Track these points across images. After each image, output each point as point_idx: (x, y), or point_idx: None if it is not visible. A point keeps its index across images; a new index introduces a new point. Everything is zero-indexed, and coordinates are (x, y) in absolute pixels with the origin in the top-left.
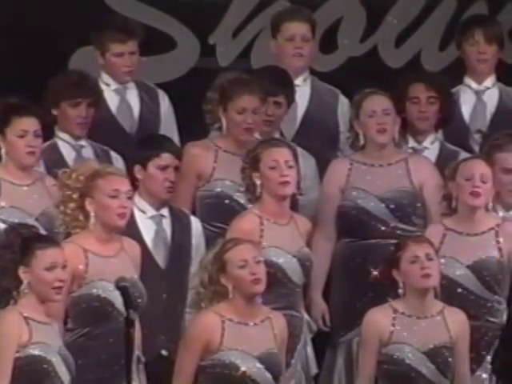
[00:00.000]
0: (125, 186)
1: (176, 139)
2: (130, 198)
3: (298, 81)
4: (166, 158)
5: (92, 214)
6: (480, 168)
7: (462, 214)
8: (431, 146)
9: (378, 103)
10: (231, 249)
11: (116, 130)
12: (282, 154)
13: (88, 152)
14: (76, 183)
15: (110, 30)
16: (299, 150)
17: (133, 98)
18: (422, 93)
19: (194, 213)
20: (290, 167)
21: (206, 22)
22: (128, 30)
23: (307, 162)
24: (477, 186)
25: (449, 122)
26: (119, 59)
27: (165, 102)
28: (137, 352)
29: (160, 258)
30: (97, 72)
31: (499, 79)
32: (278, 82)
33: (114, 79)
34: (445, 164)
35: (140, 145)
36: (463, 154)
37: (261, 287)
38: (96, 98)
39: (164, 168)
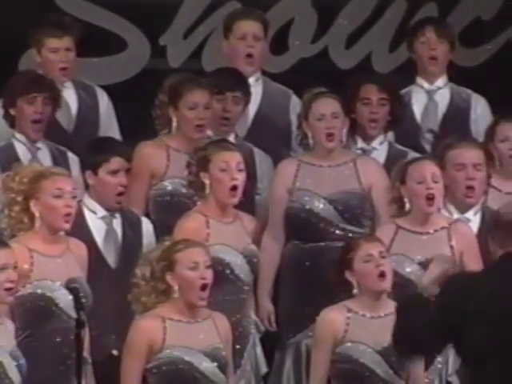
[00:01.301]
0: (69, 185)
1: (117, 137)
2: (74, 198)
3: (250, 80)
4: (116, 162)
5: (37, 215)
6: (430, 169)
7: (415, 215)
8: (380, 146)
9: (327, 106)
10: (183, 249)
11: (54, 127)
12: (233, 157)
13: (44, 154)
14: (20, 186)
15: (45, 25)
16: (256, 149)
17: (70, 96)
18: (373, 94)
19: (146, 211)
20: (240, 171)
21: (156, 23)
22: (64, 25)
23: (264, 162)
24: (430, 187)
25: (398, 123)
26: (55, 55)
27: (104, 100)
28: (84, 353)
29: (110, 258)
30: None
31: (451, 81)
32: (235, 79)
33: (51, 77)
34: (393, 164)
35: (89, 149)
36: (411, 154)
37: (205, 298)
38: (52, 95)
39: (115, 172)
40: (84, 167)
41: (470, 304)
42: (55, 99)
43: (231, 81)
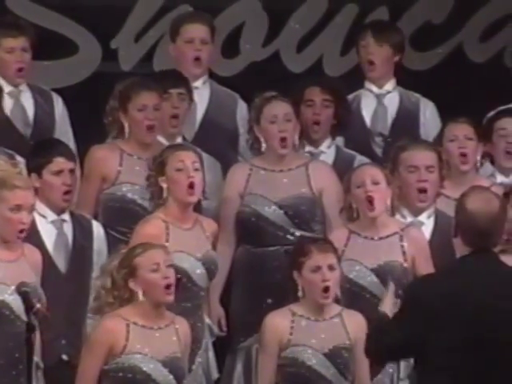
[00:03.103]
0: (29, 199)
1: (71, 142)
2: (31, 212)
3: (197, 83)
4: (58, 162)
5: None
6: (369, 172)
7: (364, 220)
8: (327, 150)
9: (279, 109)
10: (142, 253)
11: (11, 132)
12: (188, 157)
13: None
14: None
15: (0, 26)
16: (204, 155)
17: (27, 100)
18: (316, 96)
19: (96, 216)
20: (197, 170)
21: (108, 27)
22: (19, 26)
23: (212, 167)
24: (369, 190)
25: (344, 126)
26: (10, 55)
27: (59, 105)
28: (36, 358)
29: (61, 263)
30: None
31: (400, 85)
32: (177, 77)
33: (7, 80)
34: (341, 168)
35: (32, 152)
36: (359, 158)
37: (171, 297)
38: None
39: (58, 173)
40: (29, 171)
41: (431, 306)
42: None
43: (174, 79)
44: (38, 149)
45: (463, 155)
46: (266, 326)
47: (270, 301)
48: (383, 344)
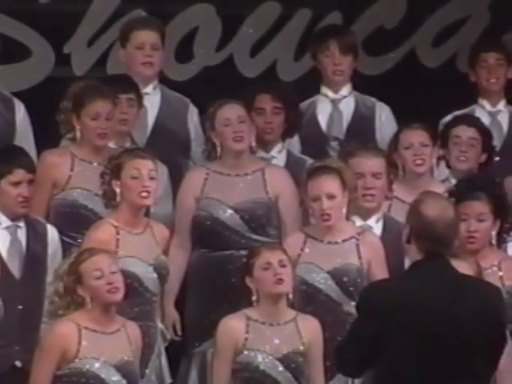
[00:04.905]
0: None
1: (33, 150)
2: None
3: (148, 89)
4: (18, 174)
5: None
6: (325, 186)
7: (319, 225)
8: (278, 154)
9: (232, 111)
10: (86, 260)
11: None
12: (145, 165)
13: None
14: None
15: None
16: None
17: None
18: (267, 103)
19: (47, 221)
20: (152, 178)
21: (61, 31)
22: None
23: (160, 171)
24: (325, 208)
25: (294, 132)
26: None
27: (20, 112)
28: None
29: (15, 269)
30: None
31: (355, 90)
32: (127, 82)
33: None
34: (292, 173)
35: None
36: (310, 162)
37: (118, 296)
38: None
39: (16, 184)
40: None
41: (384, 312)
42: None
43: (123, 84)
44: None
45: (419, 164)
46: (220, 330)
47: (225, 305)
48: (348, 361)
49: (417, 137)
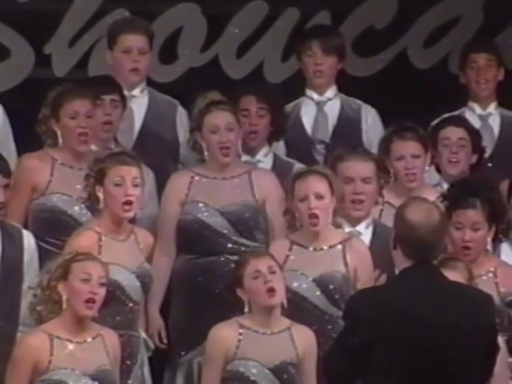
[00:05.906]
0: None
1: (13, 153)
2: None
3: (135, 92)
4: None
5: None
6: (313, 186)
7: (306, 231)
8: (265, 158)
9: (220, 119)
10: (80, 260)
11: None
12: (129, 172)
13: None
14: None
15: None
16: None
17: None
18: (252, 105)
19: (26, 226)
20: (136, 186)
21: (41, 31)
22: None
23: (146, 176)
24: (313, 207)
25: (281, 135)
26: None
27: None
28: None
29: None
30: None
31: (343, 91)
32: (110, 83)
33: None
34: (279, 176)
35: None
36: (297, 166)
37: (90, 312)
38: None
39: None
40: None
41: (372, 320)
42: None
43: (107, 85)
44: None
45: (411, 180)
46: (212, 338)
47: (212, 312)
48: (335, 372)
49: (409, 149)
